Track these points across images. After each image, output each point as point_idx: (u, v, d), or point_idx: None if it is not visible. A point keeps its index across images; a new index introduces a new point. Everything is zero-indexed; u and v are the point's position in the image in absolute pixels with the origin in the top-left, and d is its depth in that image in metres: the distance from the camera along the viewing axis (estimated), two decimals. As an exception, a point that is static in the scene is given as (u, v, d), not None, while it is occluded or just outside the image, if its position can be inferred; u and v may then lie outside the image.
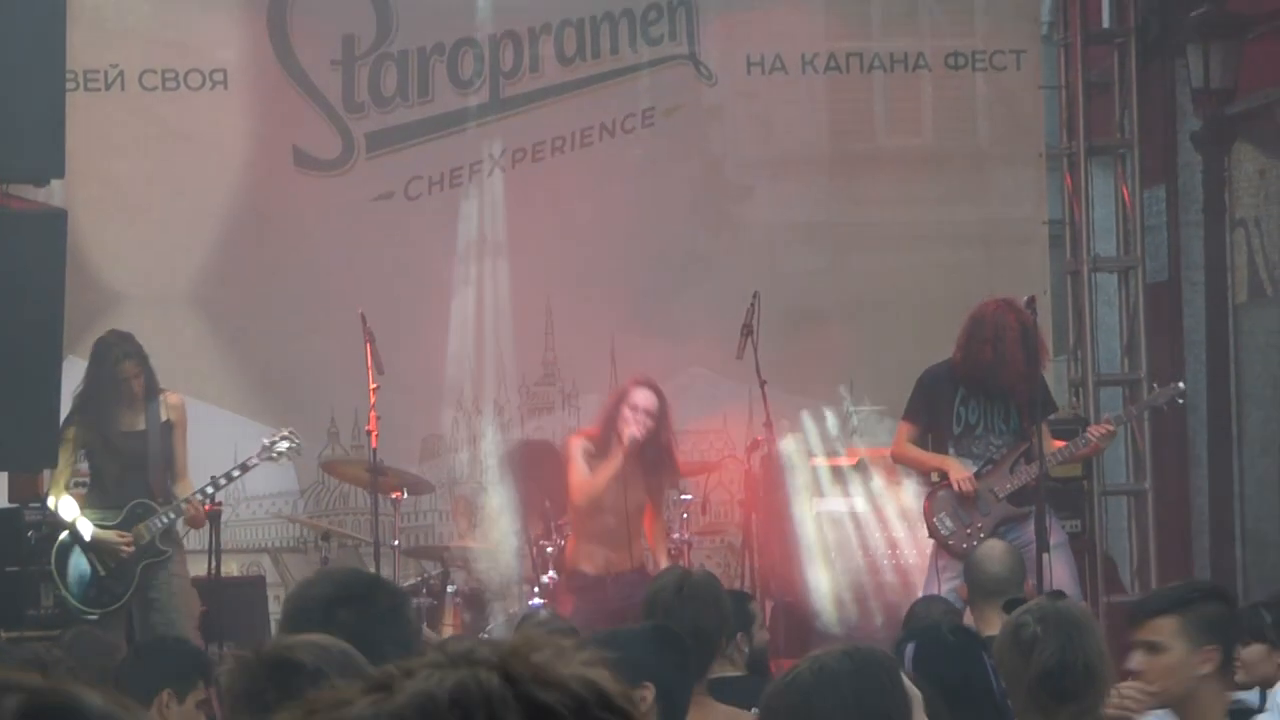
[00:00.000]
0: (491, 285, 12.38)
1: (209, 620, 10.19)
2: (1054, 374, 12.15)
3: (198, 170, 12.24)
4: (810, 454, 11.74)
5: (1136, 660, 5.29)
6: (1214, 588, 5.93)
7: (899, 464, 10.93)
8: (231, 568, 11.32)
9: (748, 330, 10.81)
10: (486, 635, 10.37)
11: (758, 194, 12.87)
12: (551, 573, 10.42)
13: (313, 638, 3.90)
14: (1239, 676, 6.50)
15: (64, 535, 10.32)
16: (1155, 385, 11.56)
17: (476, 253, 12.44)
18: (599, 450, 10.41)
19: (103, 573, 10.32)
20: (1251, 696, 7.22)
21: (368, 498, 10.86)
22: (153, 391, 10.50)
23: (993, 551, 8.46)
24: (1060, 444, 10.61)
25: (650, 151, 12.68)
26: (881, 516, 11.57)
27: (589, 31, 12.63)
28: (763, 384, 10.66)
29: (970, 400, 10.45)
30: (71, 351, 10.24)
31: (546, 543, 10.56)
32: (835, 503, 11.66)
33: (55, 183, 9.33)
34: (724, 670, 6.78)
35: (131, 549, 10.29)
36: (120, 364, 10.39)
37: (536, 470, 11.19)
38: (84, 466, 10.50)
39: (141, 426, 10.47)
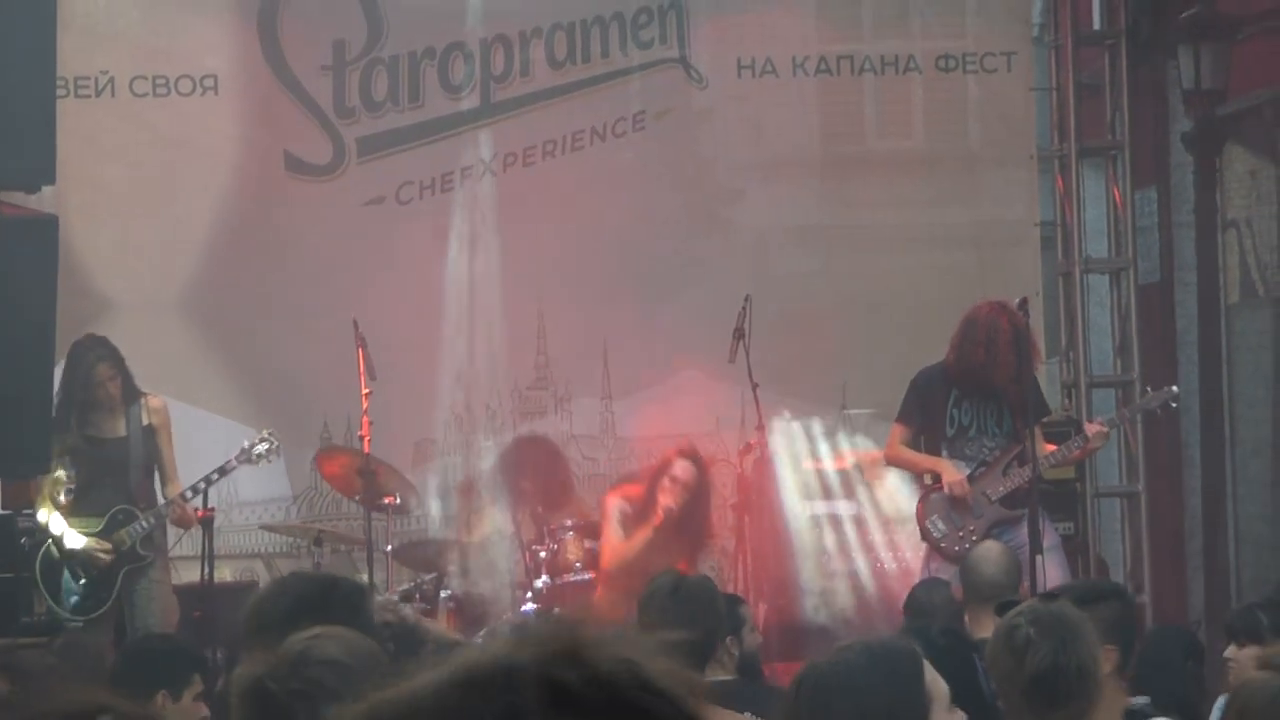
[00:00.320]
0: (483, 289, 12.36)
1: (201, 626, 10.18)
2: (1046, 376, 12.16)
3: (189, 176, 12.23)
4: (803, 457, 11.74)
5: None
6: (1114, 588, 5.91)
7: (892, 466, 10.93)
8: (225, 573, 11.31)
9: (740, 333, 10.81)
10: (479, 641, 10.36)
11: (749, 197, 12.86)
12: (545, 578, 10.41)
13: (330, 654, 3.79)
14: (1233, 678, 6.49)
15: (47, 546, 10.30)
16: (1148, 387, 11.57)
17: (468, 257, 12.42)
18: (636, 514, 10.52)
19: (85, 580, 10.30)
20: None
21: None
22: (132, 395, 10.46)
23: (989, 554, 8.42)
24: (1051, 448, 10.61)
25: (641, 155, 12.67)
26: (874, 519, 11.58)
27: (579, 35, 12.61)
28: (755, 387, 10.67)
29: (963, 402, 10.46)
30: (63, 358, 10.23)
31: (540, 547, 10.55)
32: (827, 505, 11.66)
33: (46, 189, 9.30)
34: (715, 674, 6.73)
35: (111, 557, 10.28)
36: (95, 367, 10.35)
37: (530, 472, 11.18)
38: (73, 473, 10.47)
39: (122, 432, 10.44)
